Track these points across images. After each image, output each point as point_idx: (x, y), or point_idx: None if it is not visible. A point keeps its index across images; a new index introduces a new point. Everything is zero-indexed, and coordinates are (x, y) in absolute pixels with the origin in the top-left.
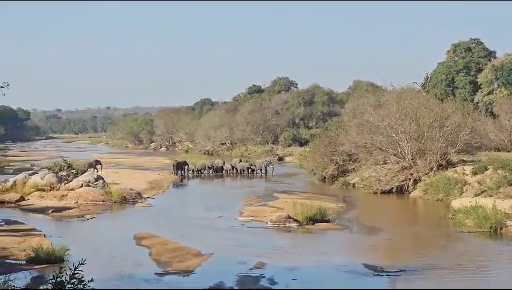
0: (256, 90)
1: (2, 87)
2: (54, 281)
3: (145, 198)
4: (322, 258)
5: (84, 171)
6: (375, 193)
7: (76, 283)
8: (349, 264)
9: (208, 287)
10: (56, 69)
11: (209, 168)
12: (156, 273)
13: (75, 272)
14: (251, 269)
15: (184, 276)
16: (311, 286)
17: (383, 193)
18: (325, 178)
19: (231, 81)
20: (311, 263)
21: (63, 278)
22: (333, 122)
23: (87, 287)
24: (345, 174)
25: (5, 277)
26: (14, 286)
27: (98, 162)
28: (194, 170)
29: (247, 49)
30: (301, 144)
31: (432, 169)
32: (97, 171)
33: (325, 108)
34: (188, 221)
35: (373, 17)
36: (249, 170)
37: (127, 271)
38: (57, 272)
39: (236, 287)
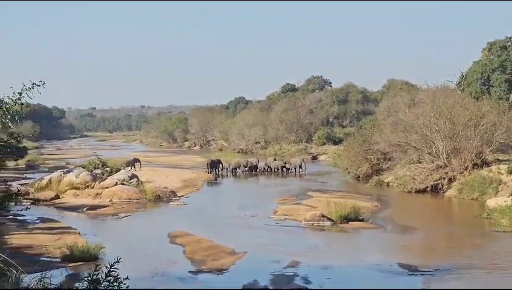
0: (290, 89)
1: (38, 85)
2: (89, 278)
3: (179, 196)
4: (356, 257)
5: (119, 170)
6: (409, 191)
7: (111, 280)
8: (383, 263)
9: (242, 286)
10: (91, 68)
11: (243, 166)
12: (190, 272)
13: (111, 270)
14: (285, 267)
15: (218, 274)
16: (345, 285)
17: (418, 191)
18: (359, 177)
19: (265, 80)
20: (345, 261)
21: (99, 276)
22: (367, 121)
23: (122, 285)
24: (379, 173)
25: (41, 274)
26: (50, 282)
27: (136, 160)
28: (228, 168)
29: (282, 47)
30: (335, 143)
31: (466, 168)
32: (135, 170)
33: (359, 107)
34: (222, 219)
35: (408, 16)
36: (283, 168)
37: (162, 269)
38: (93, 269)
39: (270, 286)
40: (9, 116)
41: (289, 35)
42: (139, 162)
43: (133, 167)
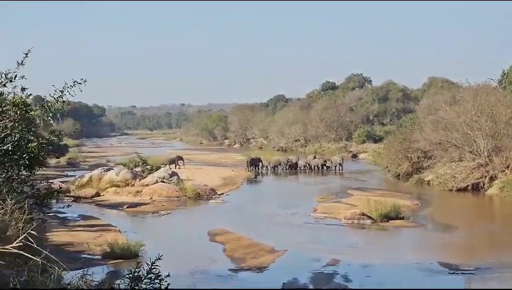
0: (330, 87)
1: (79, 83)
2: (131, 276)
3: (219, 194)
4: (396, 255)
5: (159, 167)
6: (450, 190)
7: (153, 278)
8: (423, 262)
9: (282, 284)
10: (131, 66)
11: (283, 164)
12: (230, 270)
13: (152, 267)
14: (325, 266)
15: (258, 272)
16: (385, 283)
17: (459, 190)
18: (399, 175)
19: (305, 78)
20: (385, 260)
21: (140, 273)
22: (408, 119)
23: (163, 283)
24: (419, 172)
25: (83, 271)
26: (91, 279)
27: (180, 158)
28: (268, 166)
29: (321, 45)
30: (375, 141)
31: (508, 166)
32: (179, 167)
33: (399, 105)
34: (261, 217)
35: (449, 14)
36: (323, 166)
37: (202, 267)
38: (134, 267)
39: (310, 284)
40: (50, 114)
41: (329, 33)
42: (182, 159)
43: (176, 165)
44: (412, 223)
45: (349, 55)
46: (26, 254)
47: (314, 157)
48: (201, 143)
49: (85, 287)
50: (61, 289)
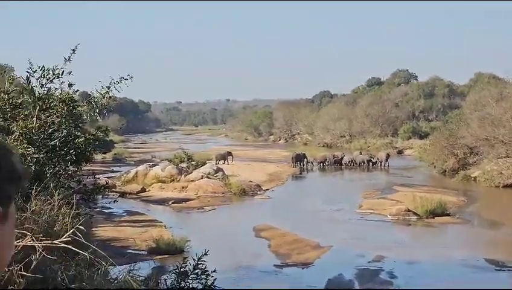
0: (376, 83)
1: (125, 79)
2: (177, 271)
3: (264, 190)
4: (442, 252)
5: (205, 163)
6: (497, 186)
7: (199, 273)
8: (469, 259)
9: (326, 281)
10: (176, 62)
11: (329, 160)
12: (275, 265)
13: (198, 262)
14: (370, 262)
15: (303, 268)
16: (431, 280)
17: (506, 186)
18: (445, 171)
19: (350, 74)
20: (430, 257)
21: (186, 269)
22: (454, 115)
23: (210, 278)
24: (465, 168)
25: (130, 266)
26: (138, 274)
27: (229, 153)
28: (313, 162)
29: (367, 40)
30: (421, 137)
31: None
32: (228, 163)
33: (445, 100)
34: (307, 213)
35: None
36: (369, 162)
37: (247, 263)
38: (180, 262)
39: (355, 280)
40: (97, 110)
41: (374, 28)
42: (232, 155)
43: (226, 160)
44: (458, 219)
45: (395, 50)
46: (74, 249)
47: (360, 153)
48: (246, 139)
49: (132, 282)
50: None
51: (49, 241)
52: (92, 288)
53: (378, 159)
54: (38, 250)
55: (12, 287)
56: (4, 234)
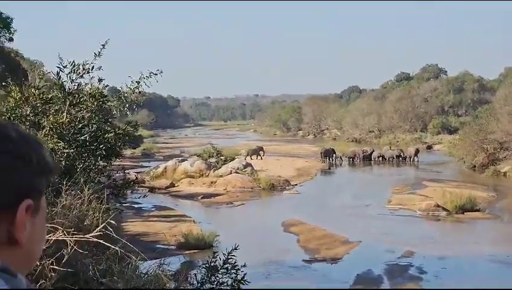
0: (405, 78)
1: (155, 74)
2: (207, 265)
3: (293, 185)
4: (471, 247)
5: (233, 158)
6: None
7: (229, 268)
8: (499, 255)
9: (355, 276)
10: (205, 57)
11: (358, 155)
12: (303, 261)
13: (228, 257)
14: (399, 257)
15: (332, 264)
16: (460, 276)
17: None
18: (474, 166)
19: (379, 69)
20: (460, 252)
21: (216, 263)
22: (484, 110)
23: (239, 273)
24: (495, 163)
25: (160, 261)
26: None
27: (261, 148)
28: (342, 157)
29: (396, 35)
30: (450, 132)
31: None
32: (261, 158)
33: (475, 95)
34: (335, 208)
35: None
36: (398, 157)
37: (275, 258)
38: (210, 257)
39: (384, 276)
40: (127, 105)
41: (403, 23)
42: (263, 150)
43: (258, 155)
44: (488, 215)
45: (424, 45)
46: (105, 243)
47: (389, 149)
48: (275, 134)
49: (163, 276)
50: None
51: (80, 236)
52: (123, 282)
53: (407, 154)
54: (70, 244)
55: (44, 281)
56: (35, 227)
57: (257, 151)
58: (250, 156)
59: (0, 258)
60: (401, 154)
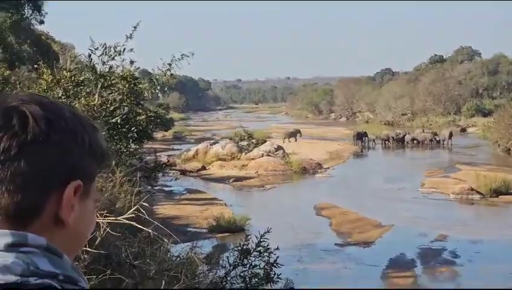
0: (438, 60)
1: (187, 56)
2: (239, 248)
3: (325, 168)
4: (506, 231)
5: (265, 141)
6: None
7: (262, 251)
8: None
9: (388, 260)
10: (237, 39)
11: (391, 138)
12: (336, 244)
13: (261, 240)
14: (432, 241)
15: (364, 247)
16: (494, 260)
17: None
18: (509, 150)
19: (412, 51)
20: (494, 236)
21: (249, 246)
22: None
23: (272, 256)
24: None
25: (192, 243)
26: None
27: (298, 131)
28: (376, 140)
29: (429, 17)
30: (484, 115)
31: None
32: (296, 140)
33: (510, 78)
34: (368, 192)
35: None
36: (431, 141)
37: (308, 241)
38: (242, 240)
39: (417, 260)
40: (158, 87)
41: (436, 5)
42: (300, 133)
43: (295, 138)
44: None
45: (457, 27)
46: (138, 225)
47: (423, 132)
48: (306, 117)
49: (196, 259)
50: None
51: (113, 218)
52: (155, 265)
53: (440, 137)
54: (103, 226)
55: (77, 263)
56: (84, 210)
57: (294, 134)
58: (287, 138)
59: (47, 237)
60: (435, 137)
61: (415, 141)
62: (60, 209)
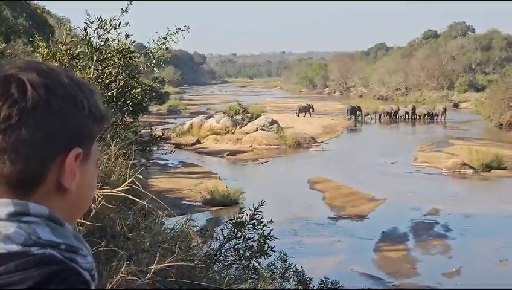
0: (432, 35)
1: (182, 30)
2: (233, 221)
3: (319, 142)
4: (498, 205)
5: (259, 115)
6: None
7: (256, 223)
8: None
9: (381, 234)
10: (232, 14)
11: (385, 113)
12: (329, 218)
13: (255, 213)
14: (425, 215)
15: (357, 221)
16: (486, 234)
17: None
18: (501, 125)
19: (406, 26)
20: (486, 210)
21: (243, 219)
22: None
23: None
24: None
25: (187, 216)
26: (195, 225)
27: (311, 106)
28: (372, 115)
29: None
30: (477, 90)
31: None
32: (310, 116)
33: (503, 53)
34: (361, 166)
35: None
36: (425, 115)
37: (301, 215)
38: (237, 212)
39: (409, 233)
40: (153, 61)
41: None
42: (313, 108)
43: (308, 113)
44: None
45: (451, 3)
46: (133, 198)
47: (414, 106)
48: (301, 92)
49: (190, 231)
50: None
51: (108, 190)
52: (150, 237)
53: (433, 112)
54: (98, 199)
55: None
56: (85, 174)
57: (307, 109)
58: (300, 113)
59: (49, 206)
60: (429, 112)
61: (408, 116)
62: (62, 177)
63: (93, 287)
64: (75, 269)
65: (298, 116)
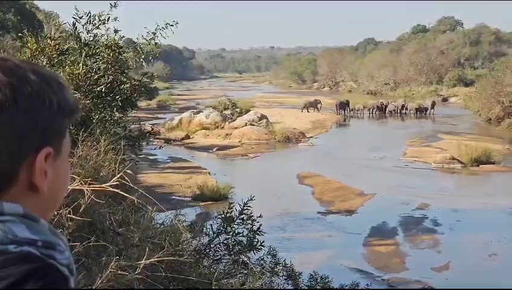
0: (421, 30)
1: (171, 25)
2: (223, 216)
3: (308, 137)
4: (487, 200)
5: (248, 111)
6: None
7: (245, 218)
8: None
9: (370, 228)
10: (221, 9)
11: (375, 108)
12: (318, 213)
13: (244, 208)
14: (414, 209)
15: (346, 216)
16: (475, 228)
17: None
18: (490, 119)
19: (395, 21)
20: (475, 205)
21: (232, 214)
22: (500, 63)
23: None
24: (511, 116)
25: (176, 211)
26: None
27: (318, 101)
28: (362, 110)
29: None
30: (466, 85)
31: None
32: (318, 111)
33: (491, 48)
34: (350, 160)
35: None
36: (415, 110)
37: (290, 210)
38: (226, 207)
39: (398, 228)
40: (142, 56)
41: None
42: (321, 103)
43: (315, 108)
44: (504, 167)
45: None
46: (122, 193)
47: (404, 101)
48: (290, 86)
49: (180, 226)
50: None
51: (98, 185)
52: (139, 232)
53: (422, 107)
54: (87, 194)
55: (61, 230)
56: (57, 171)
57: (314, 104)
58: (307, 108)
59: (23, 204)
60: (419, 106)
61: (397, 111)
62: (34, 177)
63: (72, 282)
64: (53, 266)
65: (302, 111)
